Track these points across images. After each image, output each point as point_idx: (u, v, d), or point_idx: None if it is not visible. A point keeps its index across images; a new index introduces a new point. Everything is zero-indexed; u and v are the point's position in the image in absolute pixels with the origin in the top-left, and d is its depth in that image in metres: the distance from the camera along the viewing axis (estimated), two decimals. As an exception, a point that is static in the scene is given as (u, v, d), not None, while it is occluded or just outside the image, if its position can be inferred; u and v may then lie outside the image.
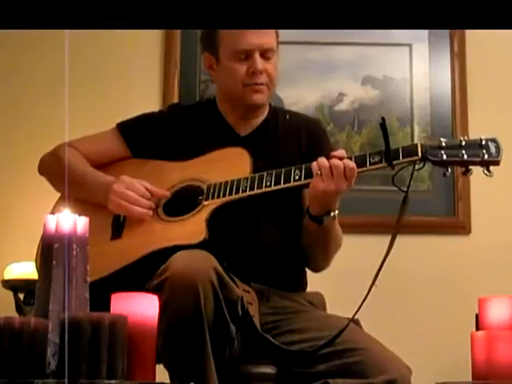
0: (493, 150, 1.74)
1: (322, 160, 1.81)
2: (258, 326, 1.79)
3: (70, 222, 1.34)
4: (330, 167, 1.79)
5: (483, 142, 1.75)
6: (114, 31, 2.88)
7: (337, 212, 1.87)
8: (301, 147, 2.07)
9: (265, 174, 1.88)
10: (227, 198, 1.88)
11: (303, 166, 1.86)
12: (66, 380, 1.20)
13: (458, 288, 2.91)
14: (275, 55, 2.03)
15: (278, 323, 1.88)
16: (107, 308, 1.34)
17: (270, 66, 2.01)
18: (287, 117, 2.15)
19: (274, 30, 2.04)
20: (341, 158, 1.80)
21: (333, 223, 1.90)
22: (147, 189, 1.95)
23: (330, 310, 2.03)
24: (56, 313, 1.29)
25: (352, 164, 1.79)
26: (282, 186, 1.86)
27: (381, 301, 2.68)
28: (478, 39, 3.12)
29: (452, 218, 3.04)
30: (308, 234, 1.95)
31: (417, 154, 1.78)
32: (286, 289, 1.98)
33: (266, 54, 2.00)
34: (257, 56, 1.98)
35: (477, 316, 1.57)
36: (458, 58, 3.14)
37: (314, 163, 1.82)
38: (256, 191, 1.87)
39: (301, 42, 3.13)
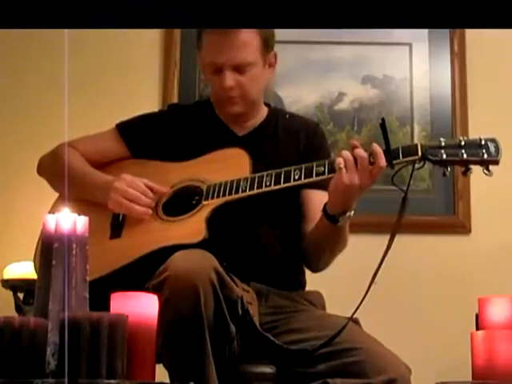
0: (492, 149, 1.75)
1: (346, 153, 1.78)
2: (258, 326, 1.79)
3: (70, 221, 1.33)
4: (355, 159, 1.76)
5: (483, 142, 1.75)
6: (114, 31, 2.87)
7: (353, 212, 1.85)
8: (299, 149, 2.06)
9: (264, 174, 1.88)
10: (227, 198, 1.88)
11: (303, 166, 1.86)
12: (66, 380, 1.20)
13: (458, 288, 2.91)
14: (253, 67, 1.99)
15: (277, 323, 1.88)
16: (106, 307, 1.33)
17: (243, 80, 1.98)
18: (287, 116, 2.15)
19: (252, 42, 1.98)
20: None
21: (346, 223, 1.89)
22: (148, 186, 1.95)
23: (329, 310, 2.03)
24: (56, 312, 1.28)
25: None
26: (282, 185, 1.86)
27: (381, 300, 2.69)
28: (478, 39, 3.12)
29: (452, 218, 3.04)
30: (319, 232, 1.93)
31: (417, 154, 1.78)
32: (285, 288, 1.97)
33: (238, 68, 1.98)
34: (226, 72, 1.97)
35: (477, 316, 1.57)
36: (458, 58, 3.14)
37: (339, 158, 1.78)
38: (256, 191, 1.87)
39: (301, 42, 3.13)
